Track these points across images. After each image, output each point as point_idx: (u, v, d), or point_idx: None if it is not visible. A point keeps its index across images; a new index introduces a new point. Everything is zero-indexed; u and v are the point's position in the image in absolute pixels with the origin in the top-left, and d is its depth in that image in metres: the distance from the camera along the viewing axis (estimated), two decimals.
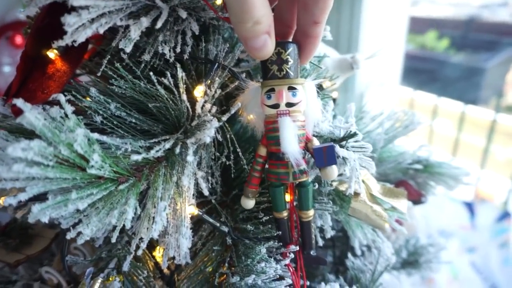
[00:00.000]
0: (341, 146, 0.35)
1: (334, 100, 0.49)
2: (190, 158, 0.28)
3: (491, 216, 1.88)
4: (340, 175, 0.39)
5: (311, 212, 0.34)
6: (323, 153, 0.30)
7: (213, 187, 0.37)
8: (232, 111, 0.30)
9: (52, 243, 0.41)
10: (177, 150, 0.29)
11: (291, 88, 0.30)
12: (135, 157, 0.27)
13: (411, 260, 0.56)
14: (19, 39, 1.03)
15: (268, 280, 0.29)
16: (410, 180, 0.52)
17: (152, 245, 0.36)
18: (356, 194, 0.37)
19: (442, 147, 2.26)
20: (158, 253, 0.36)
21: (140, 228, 0.31)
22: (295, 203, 0.34)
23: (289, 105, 0.30)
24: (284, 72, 0.30)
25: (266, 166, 0.33)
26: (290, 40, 0.31)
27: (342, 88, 1.14)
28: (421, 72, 1.65)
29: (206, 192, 0.30)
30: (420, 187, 0.51)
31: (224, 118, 0.31)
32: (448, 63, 1.68)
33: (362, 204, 0.37)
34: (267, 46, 0.27)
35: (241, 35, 0.26)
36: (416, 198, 0.49)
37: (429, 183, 0.51)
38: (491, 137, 2.00)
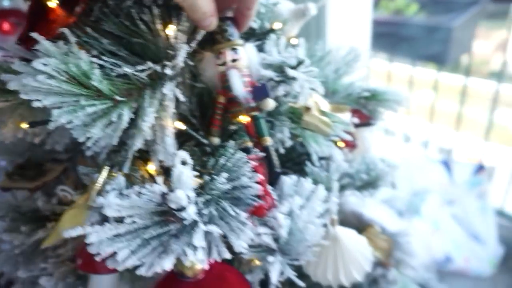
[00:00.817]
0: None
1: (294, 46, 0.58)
2: (169, 71, 0.37)
3: (467, 171, 2.00)
4: (295, 97, 0.48)
5: (267, 139, 0.43)
6: (259, 90, 0.42)
7: (191, 111, 0.45)
8: (199, 37, 0.39)
9: (62, 173, 0.49)
10: (158, 69, 0.37)
11: (233, 49, 0.41)
12: (125, 68, 0.35)
13: (370, 181, 0.66)
14: (6, 26, 1.09)
15: (237, 164, 0.38)
16: (362, 109, 0.61)
17: (145, 160, 0.45)
18: (308, 108, 0.46)
19: (420, 115, 2.38)
20: (150, 167, 0.45)
21: (134, 142, 0.40)
22: None
23: (234, 61, 0.41)
24: (226, 39, 0.42)
25: None
26: (229, 13, 0.43)
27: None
28: (392, 36, 1.74)
29: (182, 99, 0.38)
30: (371, 113, 0.61)
31: (193, 44, 0.39)
32: (416, 26, 1.76)
33: (312, 117, 0.46)
34: (212, 24, 0.40)
35: (193, 20, 0.38)
36: (366, 121, 0.58)
37: (378, 110, 0.60)
38: (463, 101, 2.11)
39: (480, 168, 1.99)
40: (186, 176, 0.30)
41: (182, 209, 0.30)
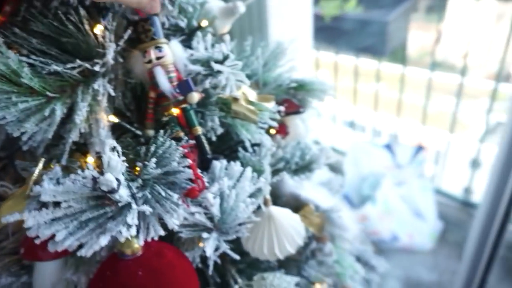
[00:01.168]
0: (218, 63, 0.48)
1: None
2: (99, 68, 0.40)
3: (408, 152, 2.15)
4: (223, 88, 0.53)
5: (198, 128, 0.47)
6: (182, 85, 0.45)
7: (126, 105, 0.48)
8: (126, 36, 0.42)
9: (1, 170, 0.50)
10: (89, 66, 0.40)
11: (157, 47, 0.45)
12: (54, 67, 0.38)
13: (304, 164, 0.72)
14: None
15: (167, 151, 0.41)
16: (292, 98, 0.66)
17: (84, 153, 0.47)
18: (235, 99, 0.51)
19: (365, 103, 2.52)
20: (89, 159, 0.47)
21: (70, 135, 0.42)
22: None
23: (158, 58, 0.44)
24: (150, 38, 0.45)
25: None
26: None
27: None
28: (333, 30, 1.84)
29: (113, 93, 0.41)
30: (300, 103, 0.67)
31: (121, 42, 0.42)
32: (355, 20, 1.87)
33: (240, 106, 0.51)
34: (155, 8, 0.42)
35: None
36: (296, 109, 0.64)
37: (306, 99, 0.66)
38: (402, 90, 2.26)
39: (419, 149, 2.14)
40: (115, 161, 0.34)
41: (113, 191, 0.34)
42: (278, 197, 0.72)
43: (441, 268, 1.74)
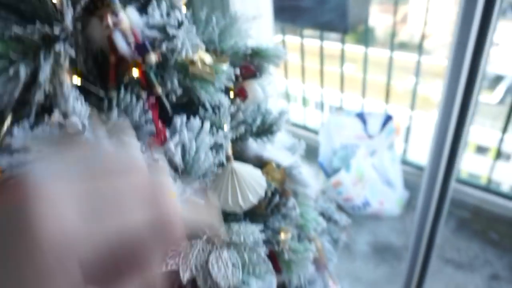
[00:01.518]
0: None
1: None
2: (58, 33, 0.43)
3: (378, 121, 2.23)
4: (180, 52, 0.57)
5: (157, 87, 0.51)
6: (140, 47, 0.49)
7: (88, 70, 0.52)
8: (82, 3, 0.46)
9: None
10: (48, 30, 0.43)
11: (113, 13, 0.48)
12: (15, 30, 0.41)
13: (265, 127, 0.77)
14: None
15: (129, 105, 0.45)
16: (250, 64, 0.71)
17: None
18: (193, 62, 0.55)
19: (332, 84, 2.61)
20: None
21: (37, 96, 0.46)
22: None
23: (116, 24, 0.48)
24: (105, 4, 0.48)
25: None
26: None
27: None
28: (293, 9, 1.90)
29: (73, 56, 0.45)
30: (258, 68, 0.71)
31: (78, 8, 0.46)
32: None
33: (197, 67, 0.55)
34: None
35: None
36: (253, 74, 0.69)
37: (263, 64, 0.71)
38: (366, 69, 2.34)
39: (388, 119, 2.22)
40: (79, 107, 0.38)
41: (79, 133, 0.38)
42: (244, 162, 0.77)
43: (407, 232, 1.85)
